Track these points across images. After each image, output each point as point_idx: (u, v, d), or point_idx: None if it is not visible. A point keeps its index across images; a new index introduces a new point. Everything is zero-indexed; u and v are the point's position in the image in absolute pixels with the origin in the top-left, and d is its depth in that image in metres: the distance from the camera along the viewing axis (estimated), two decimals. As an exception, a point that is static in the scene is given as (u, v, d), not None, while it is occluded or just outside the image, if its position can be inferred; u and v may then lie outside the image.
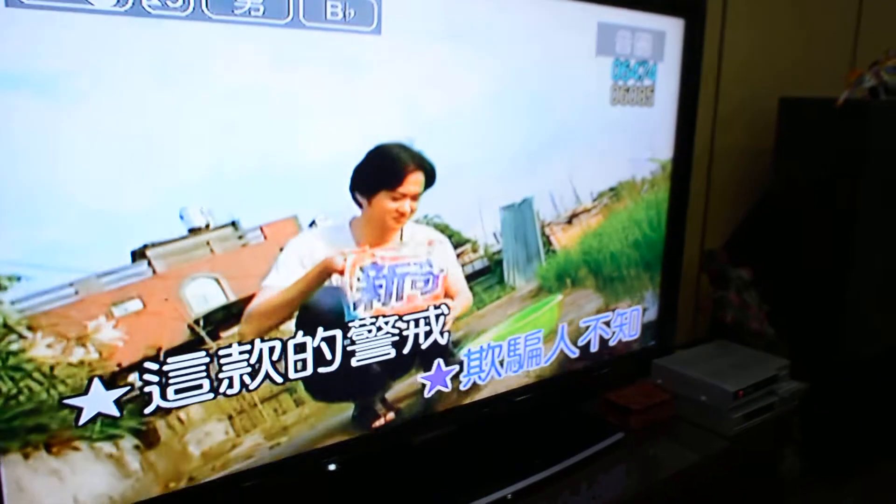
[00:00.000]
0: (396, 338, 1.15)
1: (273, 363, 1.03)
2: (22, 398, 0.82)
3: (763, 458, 1.65)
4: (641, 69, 1.40)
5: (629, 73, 1.38)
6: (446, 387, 1.25)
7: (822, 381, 1.72)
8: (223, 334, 0.97)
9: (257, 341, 1.00)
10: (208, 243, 0.92)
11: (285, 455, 1.07)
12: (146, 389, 0.92)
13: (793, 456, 1.75)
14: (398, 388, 1.19)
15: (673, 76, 1.46)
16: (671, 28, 1.43)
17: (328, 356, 1.08)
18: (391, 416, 1.18)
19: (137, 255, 0.88)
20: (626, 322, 1.53)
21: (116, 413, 0.89)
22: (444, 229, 1.17)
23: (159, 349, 0.92)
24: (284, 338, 1.03)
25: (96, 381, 0.87)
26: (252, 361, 1.00)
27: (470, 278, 1.23)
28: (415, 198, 1.12)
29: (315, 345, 1.06)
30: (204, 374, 0.96)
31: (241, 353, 0.99)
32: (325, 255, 1.05)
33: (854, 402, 1.99)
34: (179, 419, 0.96)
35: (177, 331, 0.93)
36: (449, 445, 1.31)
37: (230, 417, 1.00)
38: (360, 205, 1.07)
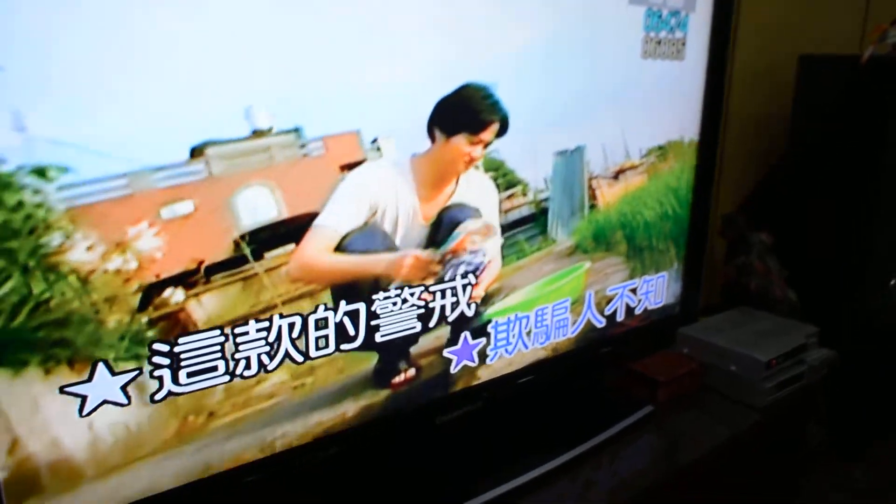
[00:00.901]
0: (422, 310, 1.07)
1: (293, 341, 0.95)
2: (53, 304, 0.74)
3: (793, 429, 1.60)
4: (673, 20, 1.30)
5: (661, 24, 1.28)
6: (473, 361, 1.18)
7: (844, 349, 1.67)
8: (267, 255, 0.90)
9: (276, 317, 0.92)
10: (269, 149, 0.86)
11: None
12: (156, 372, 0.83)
13: (818, 426, 1.70)
14: (423, 343, 1.11)
15: (704, 28, 1.37)
16: (703, -25, 1.34)
17: (351, 332, 1.00)
18: (412, 372, 1.11)
19: (196, 152, 0.80)
20: (653, 289, 1.45)
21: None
22: (499, 167, 1.12)
23: (201, 263, 0.85)
24: (305, 313, 0.95)
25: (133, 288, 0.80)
26: (270, 339, 0.92)
27: (515, 225, 1.18)
28: (486, 146, 1.07)
29: (337, 320, 0.98)
30: (219, 354, 0.88)
31: (258, 330, 0.91)
32: (380, 196, 1.00)
33: (871, 372, 1.96)
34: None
35: (221, 245, 0.86)
36: (475, 423, 1.23)
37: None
38: (433, 140, 1.01)
